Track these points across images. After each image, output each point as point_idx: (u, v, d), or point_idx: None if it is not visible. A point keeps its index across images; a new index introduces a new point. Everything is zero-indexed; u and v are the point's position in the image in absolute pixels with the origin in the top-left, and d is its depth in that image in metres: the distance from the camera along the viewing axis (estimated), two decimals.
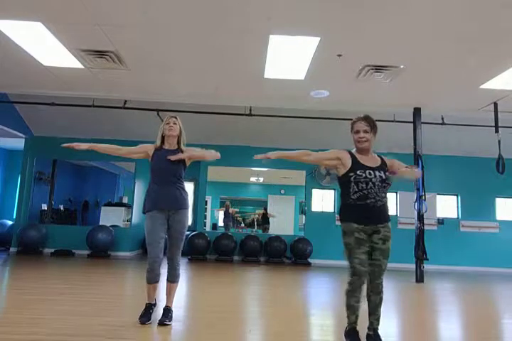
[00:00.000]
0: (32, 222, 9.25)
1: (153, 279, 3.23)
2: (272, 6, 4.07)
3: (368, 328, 2.82)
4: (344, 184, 2.85)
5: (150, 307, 3.27)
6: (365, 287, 2.82)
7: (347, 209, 2.85)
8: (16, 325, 2.99)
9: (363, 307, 2.83)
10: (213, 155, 3.40)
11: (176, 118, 3.39)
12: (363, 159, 2.85)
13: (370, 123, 2.86)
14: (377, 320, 2.80)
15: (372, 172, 2.78)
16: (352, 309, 2.77)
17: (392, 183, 2.87)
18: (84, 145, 3.22)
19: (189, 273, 6.81)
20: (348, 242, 2.77)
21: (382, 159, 2.92)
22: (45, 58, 5.57)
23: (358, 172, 2.77)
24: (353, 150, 2.92)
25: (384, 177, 2.80)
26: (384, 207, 2.83)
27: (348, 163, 2.82)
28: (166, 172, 3.27)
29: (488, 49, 4.84)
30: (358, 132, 2.85)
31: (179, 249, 3.30)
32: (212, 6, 4.11)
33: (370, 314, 2.82)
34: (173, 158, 3.21)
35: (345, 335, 2.84)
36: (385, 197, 2.84)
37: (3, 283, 5.04)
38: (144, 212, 3.32)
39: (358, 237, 2.75)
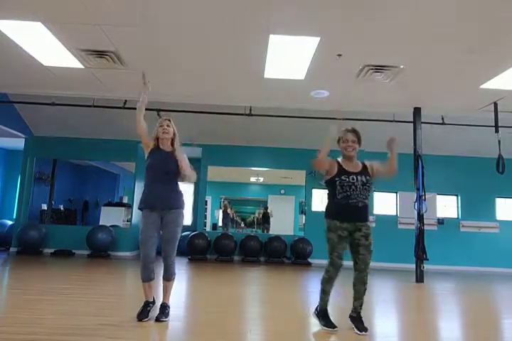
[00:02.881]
0: (32, 222, 9.25)
1: (147, 277, 3.27)
2: (272, 6, 4.07)
3: (352, 311, 3.23)
4: (331, 187, 3.24)
5: (148, 305, 3.32)
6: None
7: (332, 207, 3.23)
8: (16, 325, 2.99)
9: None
10: (192, 175, 3.45)
11: (169, 120, 3.46)
12: (347, 166, 3.23)
13: (358, 135, 3.27)
14: (361, 305, 3.22)
15: (354, 177, 3.16)
16: (326, 293, 3.26)
17: (373, 187, 3.28)
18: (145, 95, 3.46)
19: (189, 273, 6.81)
20: (331, 238, 3.17)
21: (363, 164, 3.29)
22: (45, 58, 5.57)
23: (342, 177, 3.16)
24: (339, 159, 3.29)
25: (365, 180, 3.17)
26: (365, 208, 3.20)
27: (335, 170, 3.21)
28: (161, 172, 3.32)
29: (488, 49, 4.84)
30: (346, 141, 3.24)
31: (173, 248, 3.33)
32: (212, 5, 4.11)
33: (355, 300, 3.22)
34: (178, 158, 3.30)
35: (317, 314, 3.31)
36: (367, 198, 3.21)
37: (3, 283, 5.04)
38: (139, 209, 3.36)
39: (341, 235, 3.16)
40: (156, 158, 3.34)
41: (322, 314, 3.25)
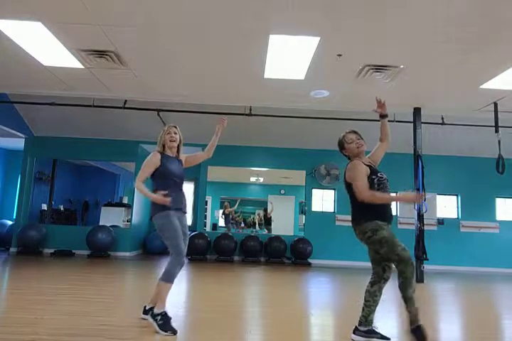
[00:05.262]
0: (32, 222, 9.25)
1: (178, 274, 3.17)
2: (272, 6, 4.07)
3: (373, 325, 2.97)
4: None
5: (167, 315, 3.06)
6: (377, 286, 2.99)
7: (372, 209, 2.89)
8: (16, 325, 2.99)
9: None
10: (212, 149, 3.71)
11: (176, 127, 3.49)
12: (368, 163, 3.05)
13: (359, 134, 3.16)
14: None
15: (382, 174, 3.01)
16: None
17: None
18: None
19: (189, 274, 6.80)
20: (386, 234, 2.83)
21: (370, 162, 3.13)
22: (45, 58, 5.56)
23: (378, 174, 2.98)
24: (355, 160, 3.06)
25: (387, 177, 3.01)
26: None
27: (368, 169, 2.98)
28: (178, 178, 3.38)
29: (488, 49, 4.84)
30: (352, 140, 3.10)
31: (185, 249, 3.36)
32: (212, 5, 4.11)
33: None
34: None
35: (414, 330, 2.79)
36: None
37: (3, 283, 5.04)
38: (153, 214, 3.27)
39: (390, 231, 2.90)
40: (170, 165, 3.37)
41: (417, 329, 2.76)
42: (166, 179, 3.31)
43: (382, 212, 2.92)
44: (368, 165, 3.01)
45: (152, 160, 3.32)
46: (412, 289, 2.78)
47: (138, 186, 3.27)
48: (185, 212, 3.43)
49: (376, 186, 2.92)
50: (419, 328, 2.76)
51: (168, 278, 3.09)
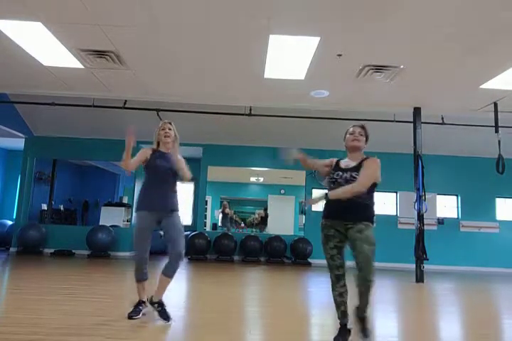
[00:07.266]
0: (32, 222, 9.25)
1: (141, 277, 3.36)
2: (272, 6, 4.07)
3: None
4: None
5: (140, 304, 3.38)
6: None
7: (325, 205, 3.09)
8: (16, 325, 2.99)
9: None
10: (189, 174, 3.41)
11: (170, 123, 3.48)
12: (344, 162, 3.03)
13: (366, 131, 3.06)
14: (361, 308, 2.87)
15: (340, 173, 2.95)
16: (335, 303, 2.91)
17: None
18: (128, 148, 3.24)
19: (189, 273, 6.81)
20: (321, 240, 3.06)
21: (362, 160, 2.96)
22: (45, 58, 5.57)
23: (332, 174, 3.03)
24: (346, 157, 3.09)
25: (349, 177, 2.89)
26: (352, 206, 2.89)
27: (332, 164, 3.11)
28: (164, 174, 3.35)
29: (488, 49, 4.84)
30: (353, 133, 3.03)
31: (184, 244, 3.34)
32: (213, 5, 4.12)
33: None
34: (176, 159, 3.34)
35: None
36: (358, 197, 2.88)
37: (3, 283, 5.04)
38: (136, 210, 3.39)
39: (327, 234, 3.00)
40: (158, 160, 3.37)
41: (338, 331, 2.84)
42: (149, 175, 3.39)
43: (327, 208, 3.08)
44: (337, 164, 3.04)
45: (143, 151, 3.40)
46: (335, 293, 2.95)
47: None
48: (172, 210, 3.33)
49: (330, 184, 3.01)
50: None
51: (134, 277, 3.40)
